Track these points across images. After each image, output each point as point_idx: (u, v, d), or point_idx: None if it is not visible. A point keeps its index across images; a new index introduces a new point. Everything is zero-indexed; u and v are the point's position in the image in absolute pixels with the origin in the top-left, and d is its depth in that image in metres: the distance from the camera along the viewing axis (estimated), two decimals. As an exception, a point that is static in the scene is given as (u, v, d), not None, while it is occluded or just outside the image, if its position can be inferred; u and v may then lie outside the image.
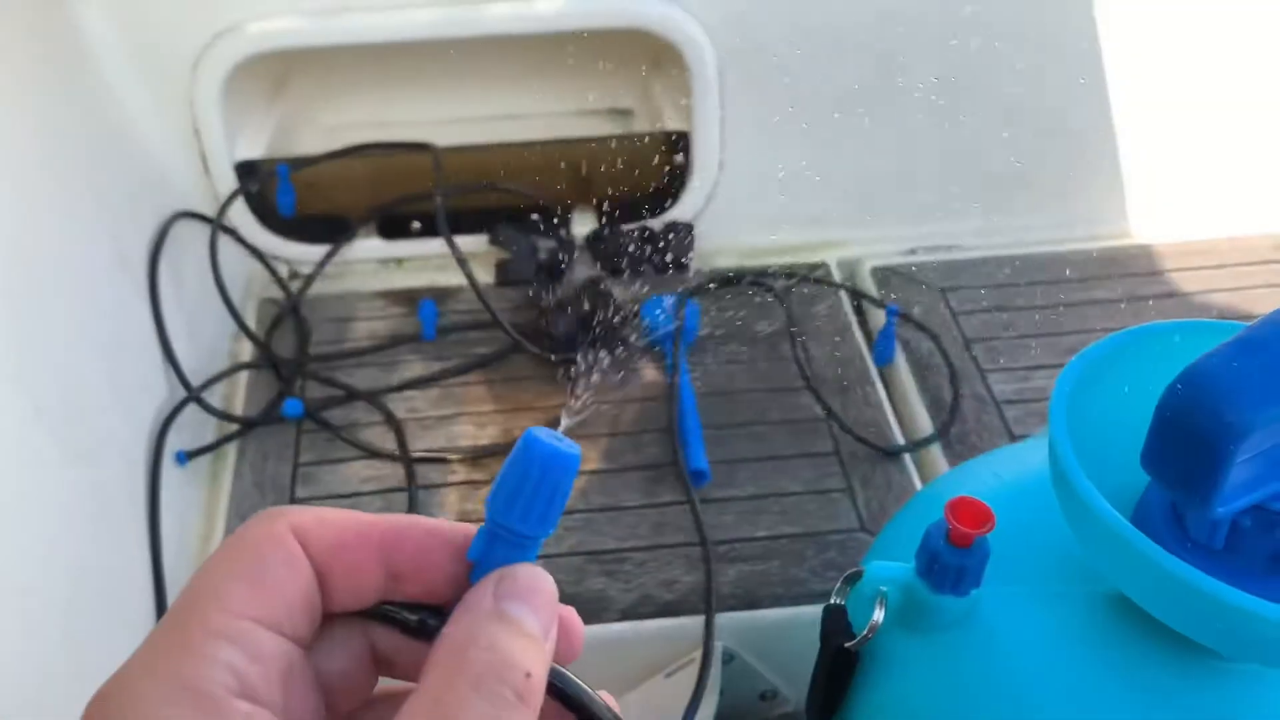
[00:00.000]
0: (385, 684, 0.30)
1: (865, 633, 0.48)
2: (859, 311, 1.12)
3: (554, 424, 1.04)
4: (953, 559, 0.45)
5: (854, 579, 0.51)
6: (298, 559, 0.26)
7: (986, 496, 0.51)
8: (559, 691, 0.27)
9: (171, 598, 0.83)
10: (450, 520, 0.28)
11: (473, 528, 0.28)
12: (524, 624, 0.26)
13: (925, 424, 0.97)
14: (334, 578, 0.27)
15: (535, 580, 0.27)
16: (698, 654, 0.79)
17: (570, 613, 0.28)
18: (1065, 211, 1.19)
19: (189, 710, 0.23)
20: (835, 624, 0.50)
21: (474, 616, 0.26)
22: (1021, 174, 1.17)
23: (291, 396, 0.99)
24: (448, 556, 0.28)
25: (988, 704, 0.47)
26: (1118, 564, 0.42)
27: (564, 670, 0.27)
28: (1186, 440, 0.36)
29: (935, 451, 0.94)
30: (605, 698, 0.28)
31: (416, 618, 0.28)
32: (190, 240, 1.07)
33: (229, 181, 1.13)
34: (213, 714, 0.23)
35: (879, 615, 0.48)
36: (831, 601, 0.51)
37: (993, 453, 0.61)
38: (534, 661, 0.25)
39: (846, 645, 0.49)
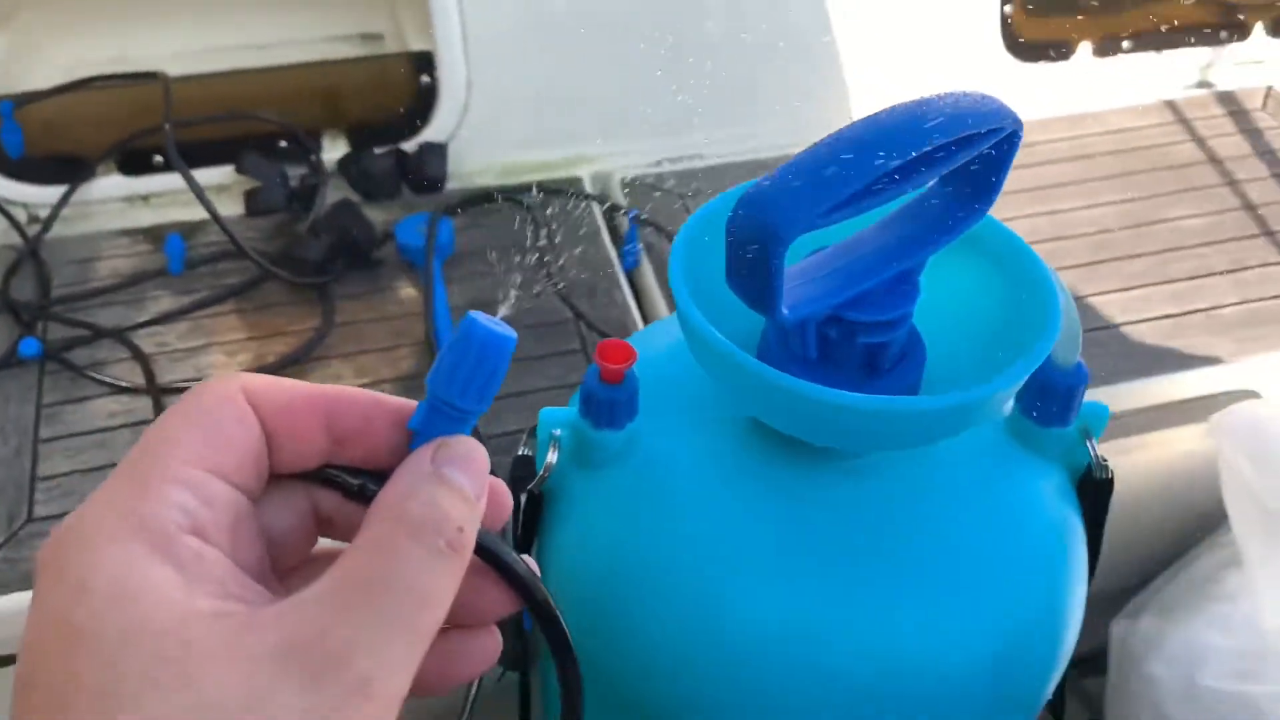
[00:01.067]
0: (325, 544, 0.32)
1: (541, 474, 0.54)
2: (610, 221, 1.17)
3: (308, 345, 1.02)
4: (605, 394, 0.51)
5: (534, 430, 0.56)
6: (248, 417, 0.28)
7: (661, 347, 0.57)
8: (486, 551, 0.30)
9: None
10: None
11: (414, 402, 0.30)
12: (459, 486, 0.28)
13: (664, 315, 1.04)
14: (281, 439, 0.29)
15: (470, 449, 0.29)
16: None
17: (498, 482, 0.31)
18: (797, 117, 1.27)
19: (143, 543, 0.25)
20: (522, 471, 0.55)
21: (414, 476, 0.28)
22: (755, 84, 1.24)
23: (28, 337, 0.96)
24: (390, 425, 0.30)
25: (651, 526, 0.53)
26: (732, 386, 0.48)
27: (490, 533, 0.30)
28: (744, 252, 0.41)
29: (674, 340, 1.01)
30: (527, 561, 0.31)
31: (358, 481, 0.30)
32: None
33: (-56, 123, 1.07)
34: (165, 546, 0.25)
35: (553, 457, 0.53)
36: (519, 453, 0.56)
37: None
38: (466, 519, 0.28)
39: (529, 489, 0.54)
